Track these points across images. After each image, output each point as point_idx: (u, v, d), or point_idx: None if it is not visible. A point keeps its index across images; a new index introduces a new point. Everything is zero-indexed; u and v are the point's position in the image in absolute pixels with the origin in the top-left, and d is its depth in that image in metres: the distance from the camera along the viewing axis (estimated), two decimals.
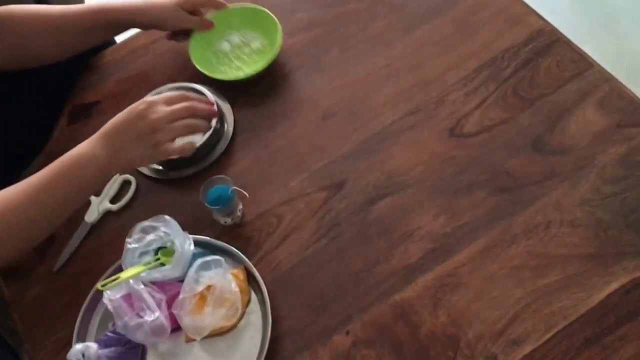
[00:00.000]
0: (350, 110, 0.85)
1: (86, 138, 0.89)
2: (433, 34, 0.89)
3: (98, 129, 0.92)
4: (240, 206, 0.78)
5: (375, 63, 0.88)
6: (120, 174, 0.83)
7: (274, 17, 0.89)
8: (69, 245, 0.80)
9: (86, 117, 0.93)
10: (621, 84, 0.80)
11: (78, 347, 0.69)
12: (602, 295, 0.65)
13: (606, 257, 0.67)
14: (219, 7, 0.92)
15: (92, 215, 0.81)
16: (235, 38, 0.93)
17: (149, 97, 0.75)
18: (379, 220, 0.75)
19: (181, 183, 0.82)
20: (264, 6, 0.92)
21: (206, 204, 0.74)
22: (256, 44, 0.92)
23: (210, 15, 0.92)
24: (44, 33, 0.83)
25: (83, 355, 0.68)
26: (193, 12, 0.91)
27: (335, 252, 0.74)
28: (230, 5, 0.92)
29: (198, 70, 0.89)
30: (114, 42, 1.05)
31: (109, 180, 0.81)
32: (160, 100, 0.74)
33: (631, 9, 1.58)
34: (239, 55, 0.92)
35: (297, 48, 0.92)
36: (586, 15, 1.60)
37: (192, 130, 0.78)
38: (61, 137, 0.92)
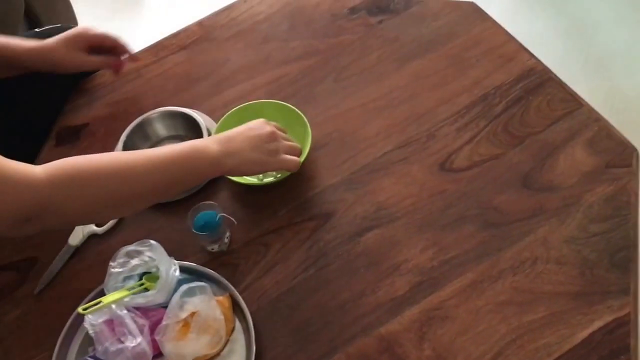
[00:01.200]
0: (342, 140, 0.91)
1: None
2: (426, 68, 0.96)
3: (86, 151, 0.98)
4: (228, 233, 0.83)
5: (368, 95, 0.95)
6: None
7: (305, 119, 0.89)
8: (52, 267, 0.84)
9: (74, 139, 0.99)
10: (610, 124, 0.87)
11: None
12: (586, 333, 0.70)
13: (591, 295, 0.73)
14: (120, 50, 0.97)
15: (76, 238, 0.86)
16: None
17: (269, 126, 0.80)
18: (367, 251, 0.80)
19: (168, 207, 0.87)
20: (260, 36, 0.99)
21: (193, 230, 0.79)
22: None
23: (245, 105, 0.93)
24: None
25: None
26: (97, 51, 0.95)
27: (322, 283, 0.79)
28: (265, 101, 0.94)
29: (188, 96, 0.94)
30: None
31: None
32: (277, 131, 0.81)
33: (623, 51, 1.69)
34: None
35: (291, 77, 0.99)
36: (578, 56, 1.70)
37: (295, 164, 0.82)
38: (48, 159, 0.96)
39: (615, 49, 1.70)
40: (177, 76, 1.04)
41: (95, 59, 0.95)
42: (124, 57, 0.99)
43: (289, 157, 0.80)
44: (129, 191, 0.69)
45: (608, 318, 0.71)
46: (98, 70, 1.04)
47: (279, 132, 0.81)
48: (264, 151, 0.77)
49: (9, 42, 0.90)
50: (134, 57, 1.00)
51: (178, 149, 0.73)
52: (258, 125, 0.79)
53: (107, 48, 0.96)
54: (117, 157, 0.72)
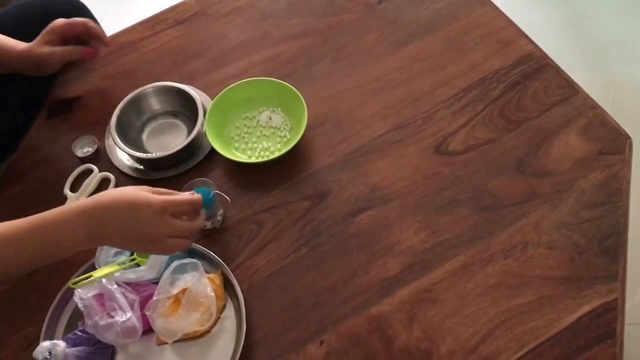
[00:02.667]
0: (338, 121, 0.90)
1: (65, 133, 0.94)
2: (424, 50, 0.95)
3: (78, 124, 0.96)
4: (221, 211, 0.82)
5: (366, 76, 0.94)
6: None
7: (302, 98, 0.87)
8: None
9: (66, 112, 0.97)
10: (605, 111, 0.86)
11: (45, 344, 0.72)
12: (574, 317, 0.71)
13: (580, 280, 0.73)
14: (92, 34, 0.93)
15: None
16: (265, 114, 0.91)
17: (158, 202, 0.66)
18: (360, 232, 0.80)
19: (162, 184, 0.86)
20: (258, 13, 0.97)
21: None
22: (277, 119, 0.90)
23: (241, 82, 0.90)
24: None
25: (50, 353, 0.71)
26: (66, 41, 0.92)
27: (314, 262, 0.78)
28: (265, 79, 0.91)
29: (183, 72, 0.93)
30: None
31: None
32: (168, 209, 0.67)
33: (619, 42, 1.69)
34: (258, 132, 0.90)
35: (288, 55, 0.98)
36: (575, 46, 1.70)
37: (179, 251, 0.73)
38: (39, 131, 0.95)
39: (612, 40, 1.70)
40: (172, 51, 1.02)
41: (71, 50, 0.91)
42: (94, 43, 0.94)
43: (170, 248, 0.69)
44: None
45: (596, 303, 0.71)
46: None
47: (165, 223, 0.67)
48: (137, 245, 0.70)
49: (2, 45, 0.88)
50: (106, 43, 0.96)
51: (32, 224, 0.64)
52: (142, 215, 0.66)
53: (81, 35, 0.93)
54: None
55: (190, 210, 0.71)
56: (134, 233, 0.67)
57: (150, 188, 0.69)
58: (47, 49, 0.90)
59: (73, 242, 0.65)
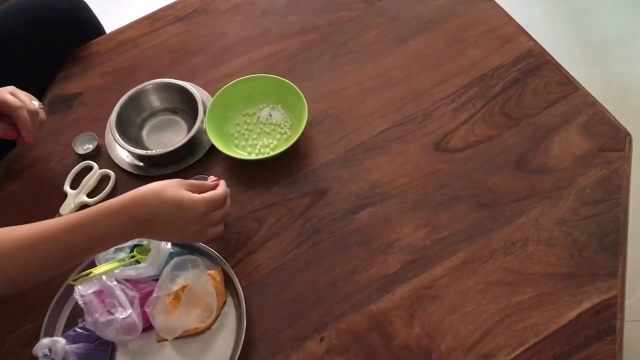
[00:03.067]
0: (338, 118, 0.90)
1: (65, 130, 0.93)
2: (424, 47, 0.95)
3: (78, 121, 0.96)
4: None
5: (366, 73, 0.94)
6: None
7: (302, 95, 0.87)
8: None
9: (67, 108, 0.97)
10: (605, 108, 0.86)
11: (45, 341, 0.71)
12: (574, 314, 0.70)
13: (579, 277, 0.73)
14: (19, 125, 0.82)
15: (67, 208, 0.84)
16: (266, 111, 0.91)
17: (202, 205, 0.69)
18: (360, 229, 0.80)
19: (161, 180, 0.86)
20: (258, 10, 0.97)
21: None
22: (277, 115, 0.90)
23: (241, 79, 0.90)
24: None
25: (50, 350, 0.71)
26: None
27: (314, 259, 0.78)
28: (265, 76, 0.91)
29: (183, 68, 0.93)
30: (102, 32, 1.08)
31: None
32: (210, 211, 0.71)
33: (620, 39, 1.69)
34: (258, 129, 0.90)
35: (288, 52, 0.98)
36: (576, 43, 1.69)
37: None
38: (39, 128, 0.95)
39: (613, 37, 1.69)
40: (173, 48, 1.01)
41: None
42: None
43: (206, 237, 0.72)
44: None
45: (596, 300, 0.71)
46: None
47: (206, 221, 0.71)
48: (176, 237, 0.72)
49: None
50: (25, 140, 0.83)
51: (76, 219, 0.64)
52: (187, 216, 0.68)
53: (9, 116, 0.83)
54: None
55: (225, 203, 0.75)
56: (179, 232, 0.69)
57: (185, 182, 0.71)
58: None
59: (117, 232, 0.66)
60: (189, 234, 0.70)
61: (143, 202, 0.66)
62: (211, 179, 0.77)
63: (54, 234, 0.64)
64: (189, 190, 0.70)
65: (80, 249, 0.65)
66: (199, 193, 0.71)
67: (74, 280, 0.73)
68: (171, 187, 0.69)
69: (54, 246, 0.64)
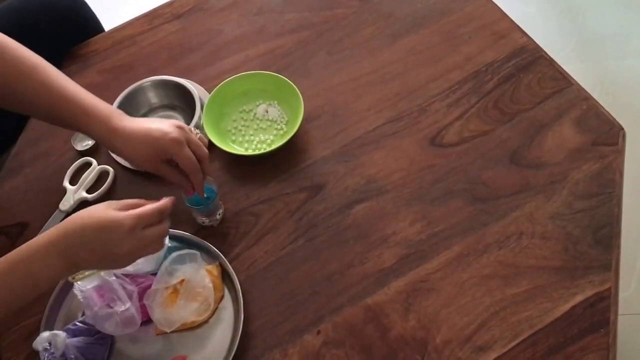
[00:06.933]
0: (334, 113, 0.88)
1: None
2: (419, 43, 0.93)
3: None
4: (221, 210, 0.80)
5: (361, 69, 0.92)
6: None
7: (298, 92, 0.85)
8: (42, 232, 0.81)
9: None
10: (598, 103, 0.85)
11: (45, 335, 0.70)
12: (567, 306, 0.69)
13: (573, 270, 0.72)
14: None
15: (66, 204, 0.83)
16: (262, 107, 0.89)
17: (129, 220, 0.62)
18: (356, 223, 0.78)
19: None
20: (255, 7, 0.95)
21: (187, 203, 0.77)
22: (273, 111, 0.89)
23: (238, 76, 0.88)
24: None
25: (50, 344, 0.70)
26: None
27: (310, 253, 0.77)
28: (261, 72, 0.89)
29: (181, 65, 0.91)
30: (101, 30, 1.07)
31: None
32: (140, 225, 0.64)
33: (614, 35, 1.67)
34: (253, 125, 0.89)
35: (285, 49, 0.96)
36: (570, 39, 1.68)
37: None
38: (39, 124, 0.93)
39: (607, 33, 1.68)
40: (170, 45, 1.00)
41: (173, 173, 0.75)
42: None
43: (144, 254, 0.67)
44: None
45: (589, 292, 0.70)
46: None
47: (137, 238, 0.64)
48: (113, 264, 0.66)
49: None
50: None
51: (4, 268, 0.60)
52: (115, 237, 0.62)
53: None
54: None
55: (160, 217, 0.67)
56: (110, 255, 0.63)
57: (118, 203, 0.65)
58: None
59: (50, 273, 0.61)
60: (123, 254, 0.63)
61: (68, 232, 0.62)
62: (164, 200, 0.68)
63: None
64: (121, 210, 0.64)
65: (16, 295, 0.61)
66: None
67: (73, 277, 0.72)
68: (98, 211, 0.63)
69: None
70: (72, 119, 0.72)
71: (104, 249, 0.62)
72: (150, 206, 0.66)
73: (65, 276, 0.66)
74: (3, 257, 0.61)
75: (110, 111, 0.74)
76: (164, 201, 0.68)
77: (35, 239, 0.62)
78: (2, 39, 0.72)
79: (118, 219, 0.62)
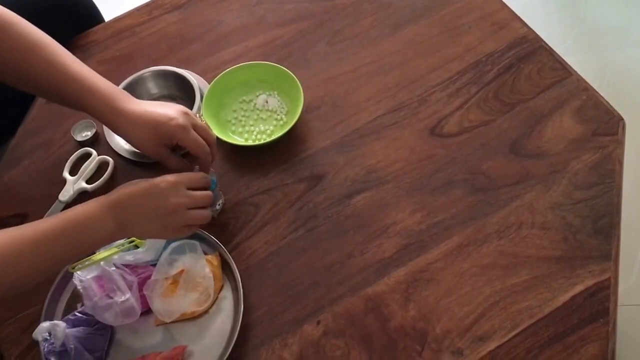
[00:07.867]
0: (334, 104, 0.87)
1: (64, 118, 0.91)
2: (419, 34, 0.92)
3: None
4: (221, 200, 0.80)
5: (361, 59, 0.91)
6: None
7: (298, 82, 0.85)
8: None
9: None
10: (598, 93, 0.84)
11: (45, 325, 0.70)
12: (567, 296, 0.69)
13: (573, 260, 0.71)
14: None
15: (66, 194, 0.82)
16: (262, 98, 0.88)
17: (171, 177, 0.68)
18: (356, 214, 0.78)
19: (160, 167, 0.84)
20: None
21: None
22: (273, 102, 0.88)
23: (238, 66, 0.87)
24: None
25: (50, 334, 0.70)
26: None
27: (310, 244, 0.76)
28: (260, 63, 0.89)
29: (181, 56, 0.90)
30: (101, 21, 1.06)
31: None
32: (183, 181, 0.69)
33: (614, 25, 1.66)
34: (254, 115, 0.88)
35: (284, 39, 0.95)
36: (571, 30, 1.67)
37: (203, 222, 0.72)
38: (39, 115, 0.93)
39: (608, 24, 1.67)
40: (170, 36, 0.99)
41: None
42: None
43: (193, 219, 0.69)
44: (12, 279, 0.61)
45: (589, 282, 0.70)
46: None
47: (188, 197, 0.68)
48: (164, 224, 0.68)
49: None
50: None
51: (61, 225, 0.63)
52: (159, 191, 0.66)
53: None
54: None
55: (203, 184, 0.72)
56: (156, 211, 0.66)
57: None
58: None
59: (104, 234, 0.65)
60: (167, 211, 0.66)
61: (121, 196, 0.66)
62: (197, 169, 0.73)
63: (38, 241, 0.62)
64: None
65: (69, 256, 0.65)
66: None
67: (73, 267, 0.71)
68: (139, 181, 0.68)
69: (39, 255, 0.62)
70: (75, 97, 0.72)
71: (151, 205, 0.66)
72: (194, 172, 0.72)
73: (117, 239, 0.69)
74: (63, 216, 0.64)
75: (115, 91, 0.73)
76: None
77: (90, 202, 0.65)
78: (7, 15, 0.72)
79: (160, 178, 0.68)
